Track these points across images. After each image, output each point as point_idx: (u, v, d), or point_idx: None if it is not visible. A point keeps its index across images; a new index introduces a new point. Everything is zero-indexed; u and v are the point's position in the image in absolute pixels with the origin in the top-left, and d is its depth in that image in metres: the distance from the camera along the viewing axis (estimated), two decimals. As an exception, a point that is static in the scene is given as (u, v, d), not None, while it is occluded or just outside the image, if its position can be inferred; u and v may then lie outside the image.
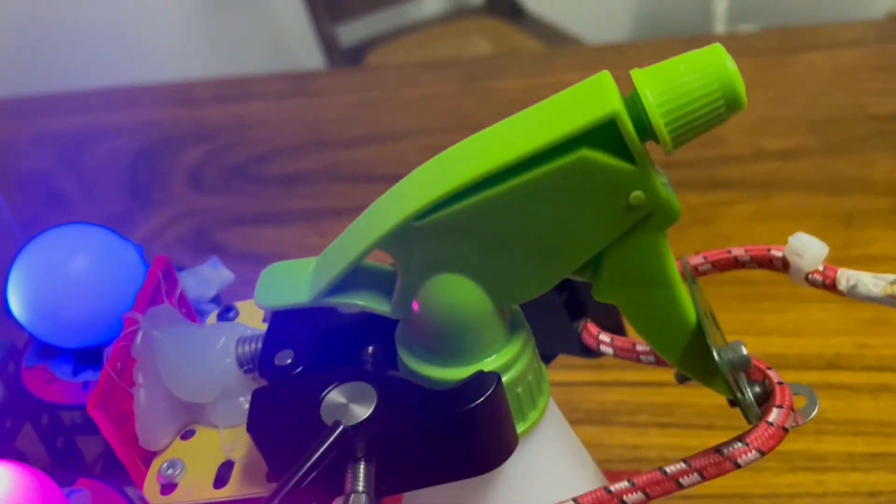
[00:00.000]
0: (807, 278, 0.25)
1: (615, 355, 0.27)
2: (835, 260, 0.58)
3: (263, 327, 0.24)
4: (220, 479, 0.23)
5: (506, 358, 0.21)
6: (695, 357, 0.22)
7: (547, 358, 0.28)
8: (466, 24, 1.31)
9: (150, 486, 0.24)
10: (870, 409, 0.43)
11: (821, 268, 0.25)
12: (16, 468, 0.24)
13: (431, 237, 0.19)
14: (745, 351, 0.23)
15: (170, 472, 0.24)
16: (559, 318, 0.28)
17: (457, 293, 0.20)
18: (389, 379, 0.21)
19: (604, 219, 0.19)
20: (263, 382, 0.25)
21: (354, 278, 0.21)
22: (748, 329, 0.49)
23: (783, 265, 0.26)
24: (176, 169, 0.71)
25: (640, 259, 0.20)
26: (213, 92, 0.81)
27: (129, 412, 0.24)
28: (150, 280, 0.25)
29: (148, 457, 0.25)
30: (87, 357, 0.31)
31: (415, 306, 0.21)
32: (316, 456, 0.20)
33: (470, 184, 0.18)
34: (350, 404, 0.21)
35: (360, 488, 0.20)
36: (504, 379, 0.21)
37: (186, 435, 0.25)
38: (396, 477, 0.21)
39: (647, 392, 0.47)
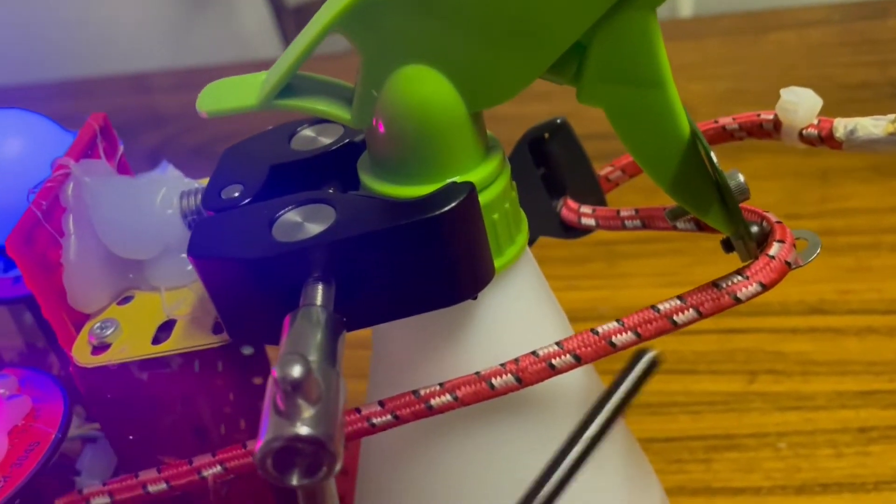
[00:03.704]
0: (801, 135, 0.24)
1: (598, 226, 0.25)
2: (813, 214, 0.56)
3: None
4: (160, 338, 0.21)
5: (481, 175, 0.19)
6: (689, 178, 0.20)
7: (528, 242, 0.26)
8: None
9: (81, 348, 0.21)
10: (856, 350, 0.41)
11: (815, 121, 0.23)
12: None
13: (394, 13, 0.17)
14: (742, 179, 0.21)
15: (102, 332, 0.21)
16: (538, 195, 0.26)
17: (424, 88, 0.18)
18: (351, 198, 0.19)
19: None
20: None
21: (311, 85, 0.19)
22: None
23: (775, 127, 0.24)
24: (133, 152, 0.68)
25: (630, 47, 0.18)
26: (169, 82, 0.79)
27: (56, 263, 0.21)
28: (85, 133, 0.23)
29: (80, 322, 0.22)
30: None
31: (378, 108, 0.18)
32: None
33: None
34: (306, 223, 0.18)
35: (318, 302, 0.17)
36: (480, 197, 0.19)
37: (124, 301, 0.22)
38: (359, 307, 0.19)
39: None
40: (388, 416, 0.20)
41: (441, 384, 0.20)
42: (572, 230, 0.26)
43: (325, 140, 0.22)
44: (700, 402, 0.40)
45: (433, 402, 0.20)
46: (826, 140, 0.23)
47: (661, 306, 0.20)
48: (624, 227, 0.24)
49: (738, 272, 0.20)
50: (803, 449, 0.37)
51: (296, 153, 0.21)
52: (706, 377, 0.41)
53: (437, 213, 0.18)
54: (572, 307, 0.26)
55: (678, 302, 0.20)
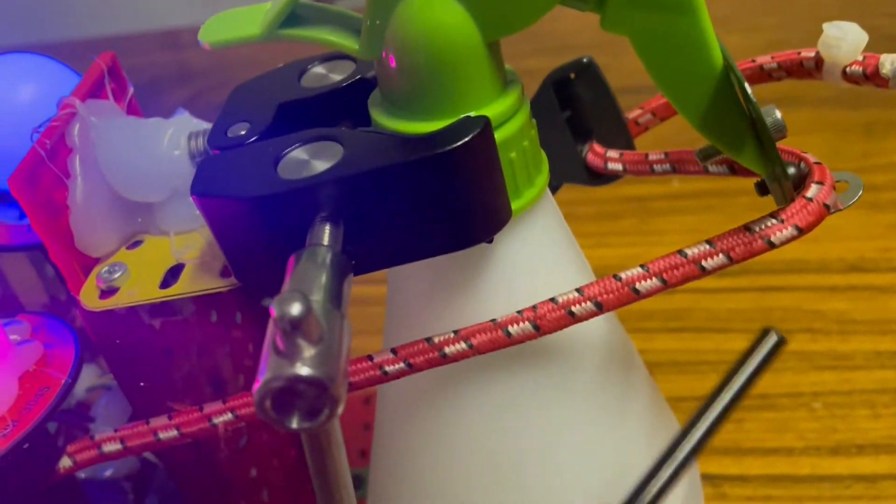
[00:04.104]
0: (844, 73, 0.22)
1: (625, 171, 0.24)
2: (855, 169, 0.54)
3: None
4: (168, 281, 0.20)
5: (497, 110, 0.18)
6: (721, 113, 0.18)
7: (551, 189, 0.25)
8: None
9: (89, 292, 0.20)
10: (898, 309, 0.39)
11: (860, 58, 0.22)
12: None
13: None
14: (779, 115, 0.19)
15: (110, 275, 0.20)
16: (562, 140, 0.25)
17: (436, 14, 0.17)
18: (360, 134, 0.18)
19: None
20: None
21: (318, 15, 0.18)
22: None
23: (816, 65, 0.23)
24: (162, 108, 0.68)
25: (657, -31, 0.17)
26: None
27: (63, 205, 0.21)
28: (92, 72, 0.22)
29: (90, 268, 0.21)
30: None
31: (387, 38, 0.17)
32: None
33: None
34: (313, 161, 0.18)
35: (325, 242, 0.17)
36: (496, 134, 0.18)
37: (133, 245, 0.22)
38: (369, 249, 0.18)
39: (656, 298, 0.44)
40: (401, 364, 0.19)
41: (455, 331, 0.19)
42: (598, 176, 0.25)
43: (336, 77, 0.21)
44: (732, 361, 0.39)
45: (447, 349, 0.19)
46: (871, 78, 0.21)
47: (688, 251, 0.19)
48: (653, 172, 0.23)
49: (773, 215, 0.19)
50: (839, 409, 0.35)
51: (305, 90, 0.21)
52: (739, 336, 0.40)
53: (449, 147, 0.17)
54: (603, 264, 0.25)
55: (707, 247, 0.19)
